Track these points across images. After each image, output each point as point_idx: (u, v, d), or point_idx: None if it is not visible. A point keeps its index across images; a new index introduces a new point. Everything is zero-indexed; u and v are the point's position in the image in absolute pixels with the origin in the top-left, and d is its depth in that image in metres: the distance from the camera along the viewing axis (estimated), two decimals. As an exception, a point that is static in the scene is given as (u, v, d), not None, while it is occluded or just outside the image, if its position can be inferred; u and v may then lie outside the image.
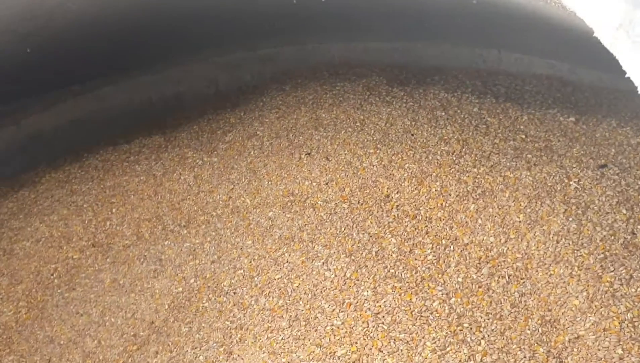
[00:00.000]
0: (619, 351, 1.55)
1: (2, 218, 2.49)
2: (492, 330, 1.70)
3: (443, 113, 2.39)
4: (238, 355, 1.89)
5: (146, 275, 2.25)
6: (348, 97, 2.56)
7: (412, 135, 2.29)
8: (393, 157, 2.21)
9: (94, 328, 2.17)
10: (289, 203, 2.24)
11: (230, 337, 1.94)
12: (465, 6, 2.43)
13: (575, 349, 1.62)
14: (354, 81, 2.73)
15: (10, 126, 3.11)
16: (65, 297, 2.26)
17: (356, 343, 1.74)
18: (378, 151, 2.24)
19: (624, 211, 1.82)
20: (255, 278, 2.05)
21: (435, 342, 1.68)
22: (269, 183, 2.31)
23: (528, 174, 2.00)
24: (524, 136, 2.23)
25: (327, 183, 2.22)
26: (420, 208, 2.06)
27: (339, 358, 1.73)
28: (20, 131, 3.14)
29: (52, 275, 2.31)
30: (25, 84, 2.95)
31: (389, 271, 1.89)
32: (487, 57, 3.01)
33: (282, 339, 1.84)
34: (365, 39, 3.22)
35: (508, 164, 2.07)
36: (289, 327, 1.86)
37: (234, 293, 2.05)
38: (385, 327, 1.75)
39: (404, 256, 1.94)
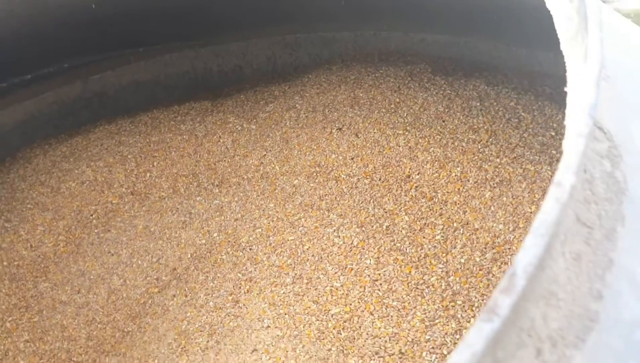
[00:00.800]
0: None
1: (55, 159, 2.69)
2: (485, 311, 1.73)
3: (478, 104, 2.41)
4: (243, 304, 2.00)
5: (175, 225, 2.39)
6: (388, 80, 2.62)
7: (443, 121, 2.33)
8: (420, 140, 2.25)
9: (121, 268, 2.33)
10: (314, 173, 2.33)
11: (239, 287, 2.06)
12: (527, 7, 2.44)
13: (562, 338, 1.63)
14: (399, 67, 2.78)
15: (78, 82, 3.33)
16: (100, 237, 2.43)
17: (350, 304, 1.82)
18: (407, 133, 2.30)
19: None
20: (271, 238, 2.16)
21: (425, 313, 1.74)
22: (299, 152, 2.41)
23: (548, 168, 2.01)
24: (553, 133, 2.23)
25: (352, 158, 2.30)
26: (438, 191, 2.11)
27: (332, 316, 1.81)
28: (86, 88, 3.35)
29: (92, 215, 2.49)
30: (93, 43, 3.16)
31: (394, 244, 1.96)
32: (543, 59, 2.99)
33: (283, 293, 1.94)
34: (423, 31, 3.25)
35: (531, 157, 2.09)
36: (292, 284, 1.96)
37: (250, 249, 2.17)
38: (380, 294, 1.81)
39: (413, 233, 2.00)
